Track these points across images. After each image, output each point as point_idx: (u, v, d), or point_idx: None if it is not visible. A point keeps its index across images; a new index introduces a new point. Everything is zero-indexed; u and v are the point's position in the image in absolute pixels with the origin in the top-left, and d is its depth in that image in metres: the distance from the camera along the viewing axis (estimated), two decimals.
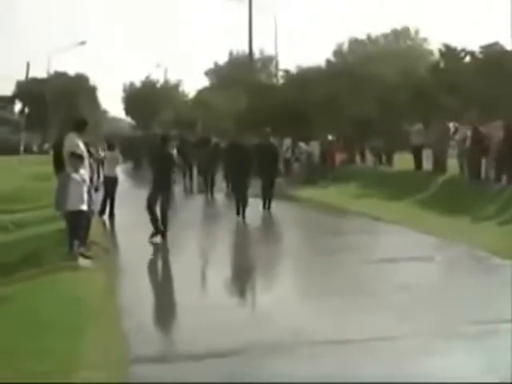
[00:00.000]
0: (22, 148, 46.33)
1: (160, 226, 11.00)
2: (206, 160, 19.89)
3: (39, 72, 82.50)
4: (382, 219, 13.47)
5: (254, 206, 14.02)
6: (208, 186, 19.41)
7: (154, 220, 11.03)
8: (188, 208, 17.18)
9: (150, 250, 10.69)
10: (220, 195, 19.06)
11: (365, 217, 14.10)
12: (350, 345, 5.51)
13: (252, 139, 19.06)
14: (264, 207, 14.79)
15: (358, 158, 25.82)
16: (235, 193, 13.99)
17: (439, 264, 9.12)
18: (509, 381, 4.47)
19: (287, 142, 25.46)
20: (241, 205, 13.60)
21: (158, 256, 10.52)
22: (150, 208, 11.09)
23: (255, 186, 14.52)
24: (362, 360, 5.15)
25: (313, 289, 7.76)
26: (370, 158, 25.11)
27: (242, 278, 8.69)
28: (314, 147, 24.20)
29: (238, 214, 13.61)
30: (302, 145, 25.00)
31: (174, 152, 12.45)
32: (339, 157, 24.08)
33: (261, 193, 14.91)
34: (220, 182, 19.74)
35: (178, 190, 20.13)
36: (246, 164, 13.61)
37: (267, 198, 14.84)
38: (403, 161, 21.11)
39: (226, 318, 6.37)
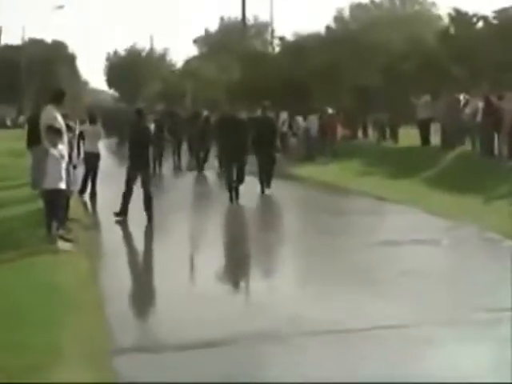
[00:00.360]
0: None
1: (127, 208, 11.08)
2: (197, 135, 19.85)
3: (13, 39, 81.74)
4: (385, 199, 13.49)
5: (248, 184, 13.94)
6: (199, 164, 19.36)
7: (125, 198, 11.11)
8: (177, 187, 17.15)
9: (134, 233, 10.71)
10: (212, 174, 19.03)
11: (367, 196, 14.11)
12: (350, 334, 5.54)
13: (246, 113, 18.96)
14: (262, 190, 14.44)
15: (360, 133, 25.78)
16: (228, 172, 13.50)
17: (446, 247, 9.16)
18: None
19: (284, 115, 25.37)
20: (235, 182, 13.27)
21: (144, 240, 10.50)
22: (128, 186, 11.16)
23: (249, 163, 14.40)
24: (362, 351, 5.17)
25: (310, 274, 7.78)
26: (373, 132, 25.07)
27: (233, 262, 8.70)
28: (313, 121, 24.15)
29: (231, 200, 13.21)
30: (299, 119, 24.96)
31: (152, 126, 12.39)
32: (340, 132, 24.04)
33: (258, 173, 14.60)
34: (211, 160, 19.70)
35: (166, 167, 20.23)
36: (242, 139, 13.28)
37: (265, 178, 14.49)
38: (409, 136, 21.08)
39: (216, 306, 6.38)
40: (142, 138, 11.31)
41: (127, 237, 10.71)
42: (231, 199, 13.27)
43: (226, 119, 14.16)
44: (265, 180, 14.54)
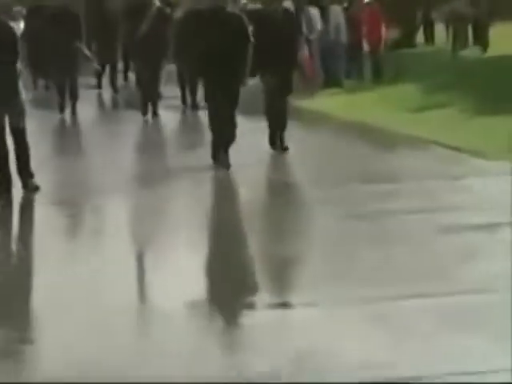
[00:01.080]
0: None
1: (9, 177, 11.35)
2: (143, 44, 19.51)
3: None
4: (464, 150, 13.63)
5: None
6: (145, 96, 19.19)
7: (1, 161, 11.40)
8: (109, 141, 16.93)
9: (24, 213, 10.98)
10: (171, 112, 18.95)
11: (431, 146, 14.30)
12: None
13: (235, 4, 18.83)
14: (270, 140, 14.60)
15: (418, 36, 25.79)
16: (213, 110, 13.48)
17: None
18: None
19: (287, 4, 25.26)
20: (224, 138, 13.37)
21: (40, 224, 10.72)
22: None
23: None
24: None
25: (341, 284, 7.72)
26: (442, 34, 25.07)
27: (203, 270, 8.70)
28: (338, 16, 23.96)
29: (214, 158, 13.38)
30: (313, 12, 24.72)
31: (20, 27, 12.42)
32: (384, 34, 23.93)
33: (265, 112, 14.78)
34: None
35: (90, 102, 20.17)
36: (235, 52, 13.06)
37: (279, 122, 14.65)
38: (506, 38, 21.08)
39: (170, 341, 6.38)
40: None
41: (9, 220, 10.85)
42: (214, 155, 13.38)
43: (203, 14, 13.65)
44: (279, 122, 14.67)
